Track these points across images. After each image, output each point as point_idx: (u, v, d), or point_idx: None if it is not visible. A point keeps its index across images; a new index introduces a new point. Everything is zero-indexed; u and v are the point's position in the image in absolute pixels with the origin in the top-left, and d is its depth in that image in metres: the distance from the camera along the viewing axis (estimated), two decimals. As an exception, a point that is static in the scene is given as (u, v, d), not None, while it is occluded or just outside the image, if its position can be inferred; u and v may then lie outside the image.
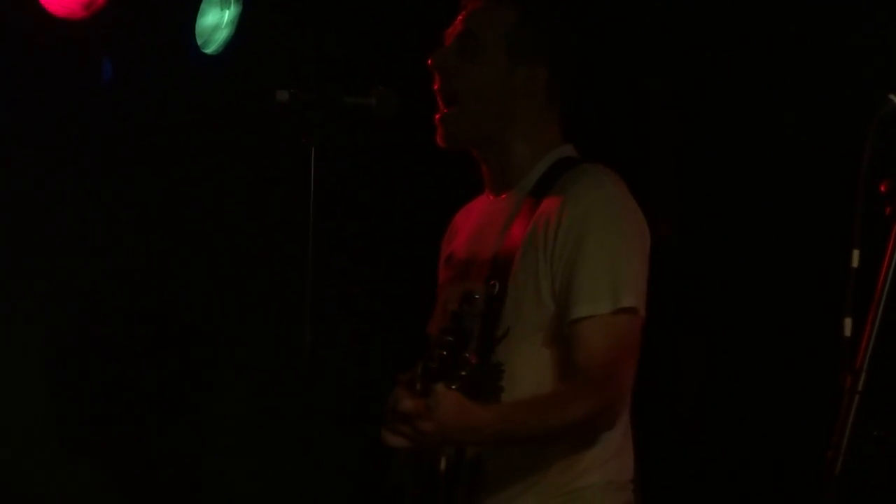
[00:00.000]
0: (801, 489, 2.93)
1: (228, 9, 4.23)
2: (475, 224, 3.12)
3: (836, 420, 2.27)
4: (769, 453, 4.44)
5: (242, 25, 4.24)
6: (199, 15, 4.15)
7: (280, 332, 3.81)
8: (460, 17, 3.07)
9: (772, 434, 4.44)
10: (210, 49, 4.22)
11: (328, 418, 4.02)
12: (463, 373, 2.63)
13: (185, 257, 4.60)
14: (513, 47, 3.01)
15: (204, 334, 4.64)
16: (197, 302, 4.61)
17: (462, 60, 3.03)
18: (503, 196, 3.06)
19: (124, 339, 4.52)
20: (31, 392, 4.36)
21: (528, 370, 2.88)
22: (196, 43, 4.16)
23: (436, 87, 3.07)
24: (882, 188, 2.35)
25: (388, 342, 4.63)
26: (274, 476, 4.69)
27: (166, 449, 4.62)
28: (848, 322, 2.28)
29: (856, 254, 2.30)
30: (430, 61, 3.06)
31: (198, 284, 4.60)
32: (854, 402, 2.26)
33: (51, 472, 4.36)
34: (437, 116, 3.06)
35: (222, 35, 4.23)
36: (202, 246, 4.61)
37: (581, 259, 2.84)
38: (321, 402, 3.37)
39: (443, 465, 2.87)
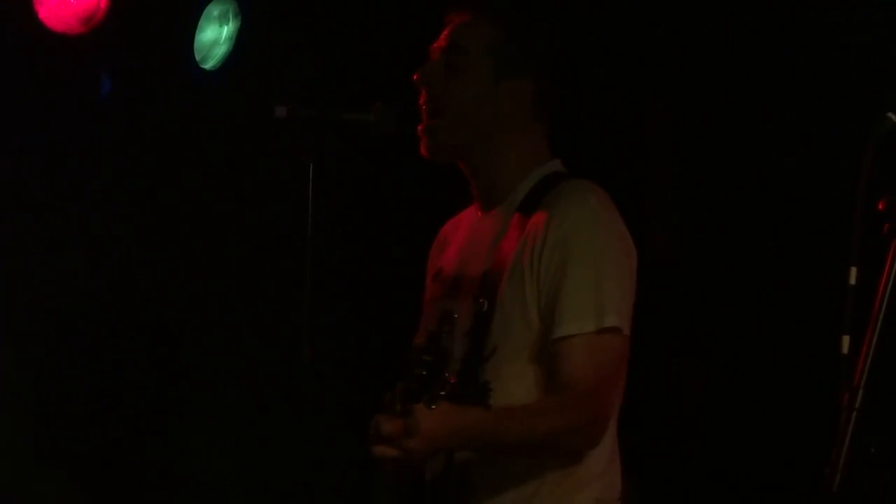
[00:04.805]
0: (798, 506, 2.93)
1: (227, 24, 4.24)
2: (464, 240, 3.10)
3: (834, 437, 2.27)
4: (767, 470, 4.44)
5: (241, 41, 4.24)
6: (197, 30, 4.16)
7: (278, 348, 3.81)
8: (445, 32, 3.05)
9: (769, 451, 4.44)
10: (209, 65, 4.22)
11: (326, 433, 4.03)
12: (442, 392, 2.63)
13: (184, 272, 4.60)
14: (498, 61, 2.99)
15: (202, 351, 4.64)
16: (195, 318, 4.61)
17: (448, 75, 3.01)
18: (492, 212, 3.05)
19: (123, 353, 4.52)
20: (28, 401, 4.36)
21: (516, 389, 2.87)
22: (195, 58, 4.16)
23: (421, 102, 3.05)
24: (880, 206, 2.36)
25: (387, 356, 4.63)
26: (271, 490, 4.68)
27: (160, 463, 4.62)
28: (846, 340, 2.28)
29: (853, 271, 2.30)
30: (415, 76, 3.04)
31: (196, 300, 4.61)
32: (851, 420, 2.27)
33: (43, 484, 4.36)
34: (419, 127, 3.04)
35: (221, 51, 4.24)
36: (200, 261, 4.61)
37: (565, 279, 2.83)
38: (320, 417, 3.37)
39: (429, 480, 2.88)
